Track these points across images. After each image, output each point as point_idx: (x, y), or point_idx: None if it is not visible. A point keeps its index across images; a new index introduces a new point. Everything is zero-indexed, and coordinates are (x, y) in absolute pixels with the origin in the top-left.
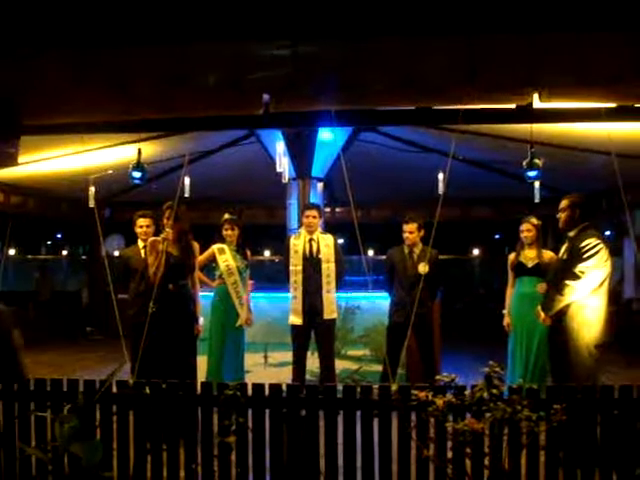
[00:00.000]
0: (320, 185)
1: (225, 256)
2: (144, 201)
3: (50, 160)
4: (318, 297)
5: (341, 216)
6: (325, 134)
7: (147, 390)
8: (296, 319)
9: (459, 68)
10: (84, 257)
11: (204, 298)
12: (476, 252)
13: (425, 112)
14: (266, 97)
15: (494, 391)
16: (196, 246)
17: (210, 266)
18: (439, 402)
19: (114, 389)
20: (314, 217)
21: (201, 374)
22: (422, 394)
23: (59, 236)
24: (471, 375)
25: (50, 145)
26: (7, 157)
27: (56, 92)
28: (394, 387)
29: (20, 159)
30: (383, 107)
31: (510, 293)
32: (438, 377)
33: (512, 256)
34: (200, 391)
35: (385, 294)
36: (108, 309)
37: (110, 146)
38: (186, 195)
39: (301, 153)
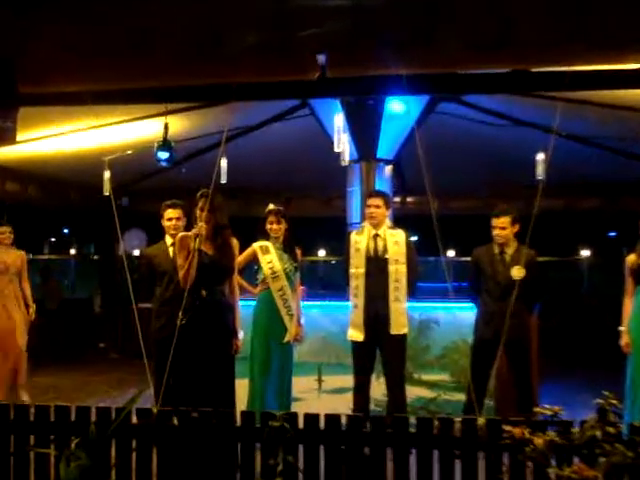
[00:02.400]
0: (388, 169)
1: (269, 256)
2: (171, 188)
3: (55, 138)
4: (384, 307)
5: (414, 207)
6: (395, 105)
7: (174, 421)
8: (357, 334)
9: (565, 19)
10: (96, 257)
11: (244, 308)
12: (585, 253)
13: (522, 76)
14: (322, 58)
15: (610, 429)
16: (235, 244)
17: (251, 268)
18: (539, 441)
19: (134, 419)
20: (377, 207)
21: (241, 401)
22: (517, 430)
23: (66, 231)
24: (578, 408)
25: (56, 119)
26: (3, 133)
27: (62, 53)
28: (481, 421)
29: (19, 136)
30: (468, 70)
31: (629, 305)
32: (537, 409)
33: (632, 258)
34: (240, 422)
35: (469, 304)
36: (126, 321)
37: (129, 120)
38: (223, 181)
39: (365, 129)
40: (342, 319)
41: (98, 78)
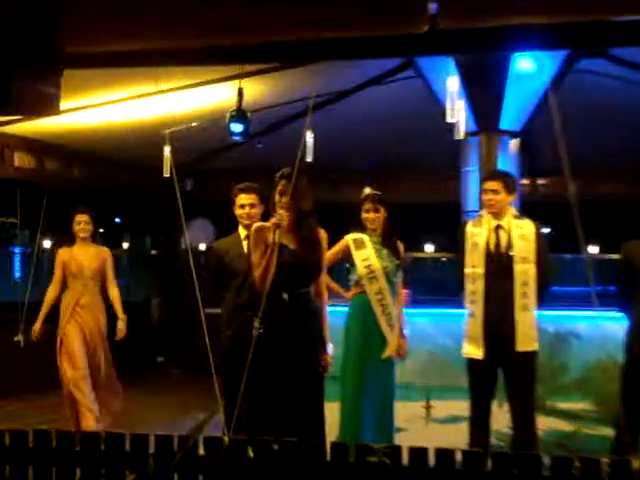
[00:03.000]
0: (513, 143)
1: (365, 251)
2: (245, 169)
3: (104, 108)
4: (509, 316)
5: (547, 192)
6: (523, 63)
7: (250, 452)
8: (474, 350)
9: None
10: (154, 252)
11: (334, 315)
12: None
13: None
14: (433, 6)
15: None
16: (323, 236)
17: (342, 267)
18: None
19: (201, 450)
20: (494, 192)
21: (331, 430)
22: None
23: (117, 221)
24: None
25: (105, 85)
26: (45, 101)
27: (112, 5)
28: (636, 464)
29: (62, 105)
30: (621, 17)
31: None
32: None
33: None
34: (330, 456)
35: (619, 313)
36: (190, 330)
37: (194, 86)
38: (308, 159)
39: (485, 93)
40: (456, 331)
41: (154, 34)
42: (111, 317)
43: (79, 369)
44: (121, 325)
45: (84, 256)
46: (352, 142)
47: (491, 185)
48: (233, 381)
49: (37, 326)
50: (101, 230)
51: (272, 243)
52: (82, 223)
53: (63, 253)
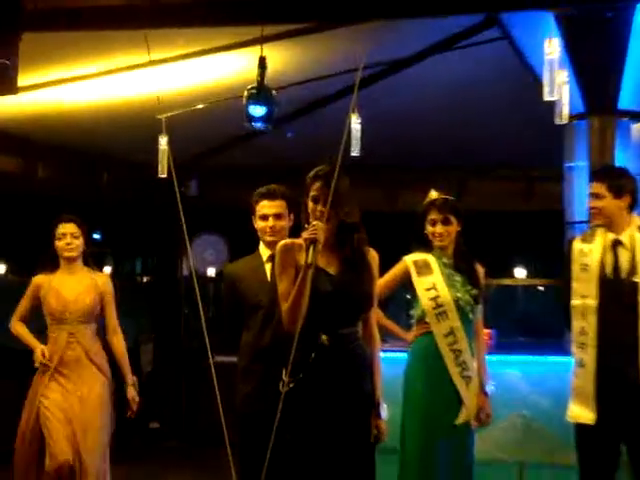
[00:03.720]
0: (637, 128)
1: (431, 278)
2: (268, 166)
3: (77, 84)
4: (632, 366)
5: None
6: None
7: None
8: (584, 413)
9: None
10: (145, 279)
11: (389, 364)
12: None
13: None
14: None
15: None
16: (374, 257)
17: (400, 298)
18: None
19: None
20: (596, 196)
21: None
22: None
23: (95, 237)
24: None
25: (78, 53)
26: None
27: None
28: None
29: (22, 80)
30: None
31: None
32: None
33: None
34: None
35: None
36: (193, 386)
37: (199, 54)
38: (354, 153)
39: (598, 62)
40: (558, 387)
41: None
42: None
43: (58, 457)
44: (132, 393)
45: (71, 287)
46: (413, 130)
47: (595, 188)
48: (252, 457)
49: (39, 348)
50: None
51: (305, 266)
52: (67, 236)
53: (40, 280)
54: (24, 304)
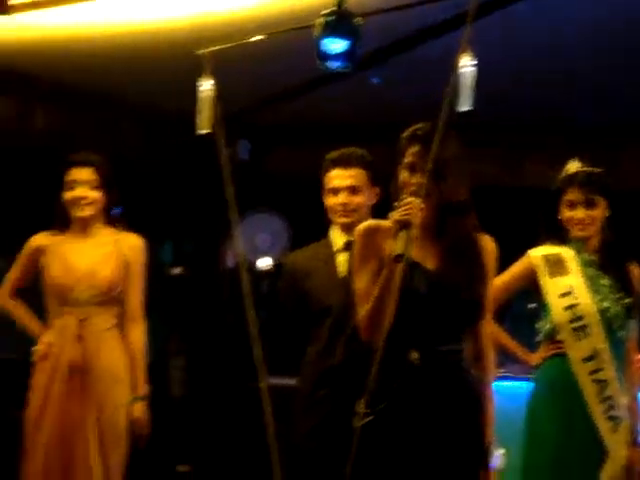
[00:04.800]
0: None
1: (567, 279)
2: (344, 123)
3: (88, 2)
4: None
5: None
6: None
7: None
8: None
9: None
10: (177, 271)
11: (506, 395)
12: None
13: None
14: None
15: None
16: (489, 248)
17: (522, 306)
18: None
19: None
20: None
21: None
22: None
23: (114, 212)
24: None
25: None
26: None
27: None
28: None
29: None
30: None
31: None
32: None
33: None
34: None
35: None
36: (238, 416)
37: None
38: (463, 107)
39: None
40: None
41: None
42: None
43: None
44: (139, 411)
45: (84, 254)
46: (545, 77)
47: None
48: None
49: (41, 340)
50: None
51: (393, 258)
52: (80, 186)
53: (41, 241)
54: (16, 272)
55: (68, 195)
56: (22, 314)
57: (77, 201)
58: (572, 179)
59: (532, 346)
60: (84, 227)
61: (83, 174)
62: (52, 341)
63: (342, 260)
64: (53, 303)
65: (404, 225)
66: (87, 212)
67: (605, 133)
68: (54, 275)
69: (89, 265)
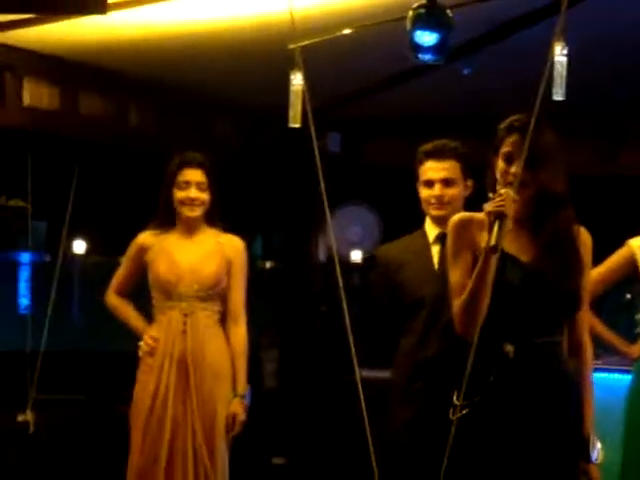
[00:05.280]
0: None
1: None
2: (438, 115)
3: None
4: None
5: None
6: None
7: None
8: None
9: None
10: (268, 265)
11: (605, 389)
12: None
13: None
14: None
15: None
16: (586, 240)
17: (621, 299)
18: None
19: None
20: None
21: None
22: None
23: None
24: None
25: None
26: None
27: None
28: None
29: None
30: None
31: None
32: None
33: None
34: None
35: None
36: (331, 409)
37: None
38: (557, 97)
39: None
40: None
41: None
42: None
43: None
44: (238, 407)
45: (189, 251)
46: None
47: None
48: None
49: (147, 334)
50: None
51: (488, 249)
52: (193, 187)
53: (146, 240)
54: (123, 270)
55: (181, 194)
56: (127, 312)
57: (190, 201)
58: None
59: (631, 337)
60: (190, 226)
61: (197, 175)
62: (157, 336)
63: (436, 252)
64: (159, 299)
65: (498, 216)
66: (197, 212)
67: None
68: (160, 270)
69: (194, 261)
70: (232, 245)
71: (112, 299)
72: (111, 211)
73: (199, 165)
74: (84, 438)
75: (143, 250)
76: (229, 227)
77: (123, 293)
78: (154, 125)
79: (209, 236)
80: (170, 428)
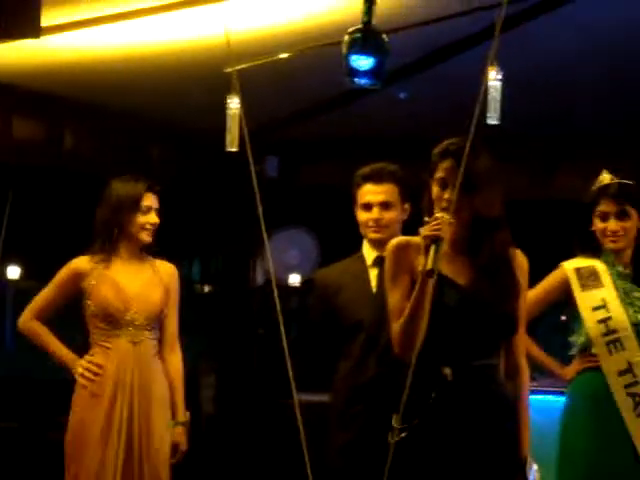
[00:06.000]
0: None
1: (601, 292)
2: (373, 138)
3: (116, 24)
4: None
5: None
6: None
7: None
8: None
9: None
10: (206, 289)
11: (539, 411)
12: None
13: None
14: None
15: None
16: (522, 263)
17: (554, 320)
18: None
19: None
20: None
21: None
22: None
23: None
24: None
25: None
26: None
27: None
28: None
29: (47, 18)
30: None
31: None
32: None
33: None
34: None
35: None
36: (271, 433)
37: None
38: (492, 121)
39: None
40: None
41: None
42: None
43: None
44: (181, 436)
45: (132, 278)
46: (573, 88)
47: None
48: None
49: (86, 362)
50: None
51: (424, 273)
52: (153, 212)
53: (83, 265)
54: (48, 295)
55: (143, 219)
56: (49, 339)
57: (151, 226)
58: (605, 190)
59: (565, 359)
60: (134, 252)
61: (155, 201)
62: (103, 364)
63: (373, 275)
64: (102, 327)
65: (434, 240)
66: (150, 238)
67: (635, 145)
68: (107, 298)
69: (140, 289)
70: (167, 271)
71: (32, 324)
72: (45, 235)
73: (157, 191)
74: (16, 466)
75: (78, 276)
76: (158, 251)
77: (43, 319)
78: (89, 148)
79: (146, 262)
80: (122, 459)
